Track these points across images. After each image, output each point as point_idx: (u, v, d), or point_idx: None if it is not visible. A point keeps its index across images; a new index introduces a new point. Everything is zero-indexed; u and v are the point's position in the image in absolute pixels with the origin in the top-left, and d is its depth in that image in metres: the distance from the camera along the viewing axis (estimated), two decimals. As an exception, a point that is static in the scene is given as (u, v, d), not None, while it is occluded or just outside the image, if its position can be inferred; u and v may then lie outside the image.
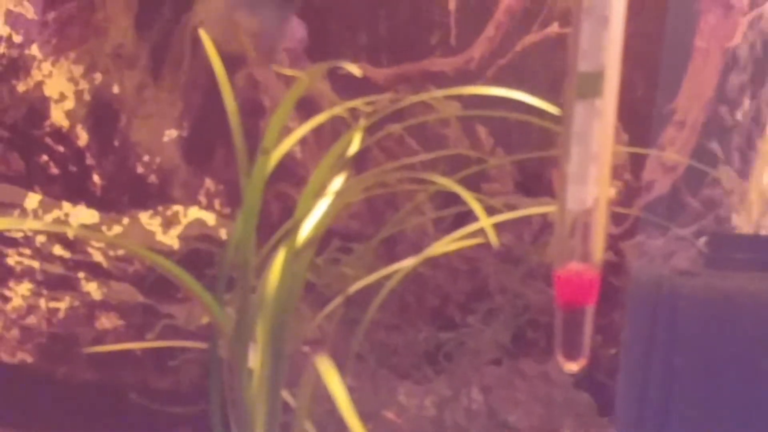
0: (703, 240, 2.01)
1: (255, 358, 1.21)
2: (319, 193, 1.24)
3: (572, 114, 0.91)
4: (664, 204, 2.08)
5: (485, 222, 1.07)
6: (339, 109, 1.30)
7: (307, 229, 1.22)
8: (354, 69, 1.22)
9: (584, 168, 0.92)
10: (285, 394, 1.24)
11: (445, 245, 1.33)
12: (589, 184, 0.92)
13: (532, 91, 1.30)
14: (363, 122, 1.24)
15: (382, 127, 1.32)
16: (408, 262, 1.31)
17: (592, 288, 0.92)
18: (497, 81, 1.87)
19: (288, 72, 1.74)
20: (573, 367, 0.95)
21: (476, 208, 1.06)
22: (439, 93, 1.28)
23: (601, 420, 1.98)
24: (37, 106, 1.75)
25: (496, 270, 1.90)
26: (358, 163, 1.61)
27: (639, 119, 1.98)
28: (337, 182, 1.25)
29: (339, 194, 1.22)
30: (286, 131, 1.28)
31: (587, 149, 0.92)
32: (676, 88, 2.07)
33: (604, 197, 0.94)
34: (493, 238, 1.06)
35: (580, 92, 0.85)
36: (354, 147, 1.30)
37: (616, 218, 2.00)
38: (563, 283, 0.92)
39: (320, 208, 1.23)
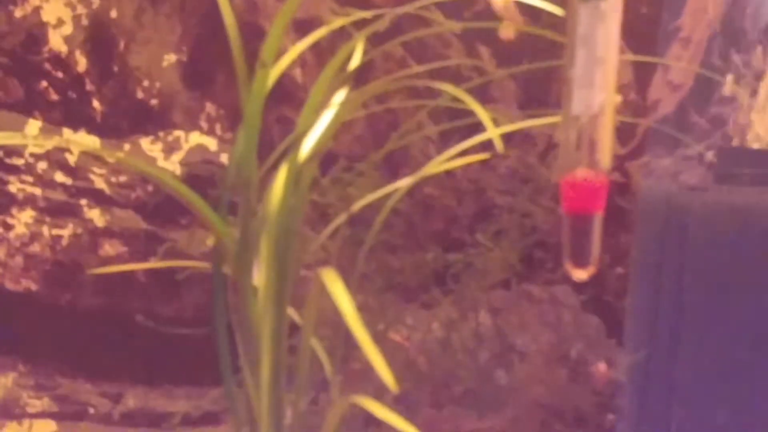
0: (710, 153, 2.00)
1: (260, 276, 1.20)
2: (319, 107, 1.22)
3: (577, 17, 0.90)
4: (671, 123, 2.07)
5: (492, 132, 1.05)
6: (339, 22, 1.27)
7: (308, 145, 1.20)
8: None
9: (589, 72, 0.91)
10: (291, 312, 1.23)
11: (445, 161, 1.31)
12: (595, 88, 0.90)
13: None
14: (363, 33, 1.22)
15: (383, 44, 1.30)
16: (408, 180, 1.29)
17: (600, 194, 0.91)
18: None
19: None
20: (581, 274, 0.94)
21: (482, 115, 1.03)
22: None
23: (609, 342, 1.98)
24: (35, 32, 1.72)
25: (502, 190, 1.89)
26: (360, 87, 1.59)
27: (644, 37, 1.96)
28: (338, 97, 1.23)
29: (340, 107, 1.20)
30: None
31: (592, 53, 0.90)
32: (681, 5, 2.05)
33: (610, 103, 0.92)
34: (499, 145, 1.04)
35: (584, -6, 0.84)
36: (355, 61, 1.27)
37: (622, 139, 1.98)
38: (570, 189, 0.91)
39: (321, 124, 1.21)
